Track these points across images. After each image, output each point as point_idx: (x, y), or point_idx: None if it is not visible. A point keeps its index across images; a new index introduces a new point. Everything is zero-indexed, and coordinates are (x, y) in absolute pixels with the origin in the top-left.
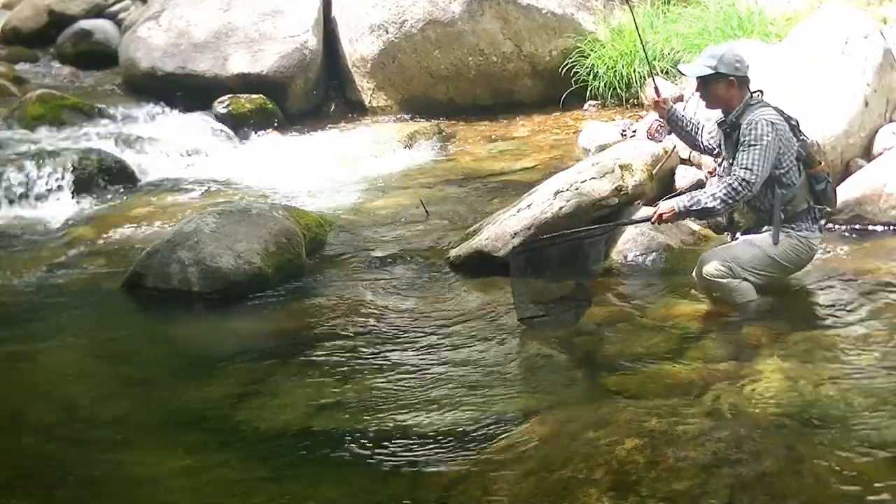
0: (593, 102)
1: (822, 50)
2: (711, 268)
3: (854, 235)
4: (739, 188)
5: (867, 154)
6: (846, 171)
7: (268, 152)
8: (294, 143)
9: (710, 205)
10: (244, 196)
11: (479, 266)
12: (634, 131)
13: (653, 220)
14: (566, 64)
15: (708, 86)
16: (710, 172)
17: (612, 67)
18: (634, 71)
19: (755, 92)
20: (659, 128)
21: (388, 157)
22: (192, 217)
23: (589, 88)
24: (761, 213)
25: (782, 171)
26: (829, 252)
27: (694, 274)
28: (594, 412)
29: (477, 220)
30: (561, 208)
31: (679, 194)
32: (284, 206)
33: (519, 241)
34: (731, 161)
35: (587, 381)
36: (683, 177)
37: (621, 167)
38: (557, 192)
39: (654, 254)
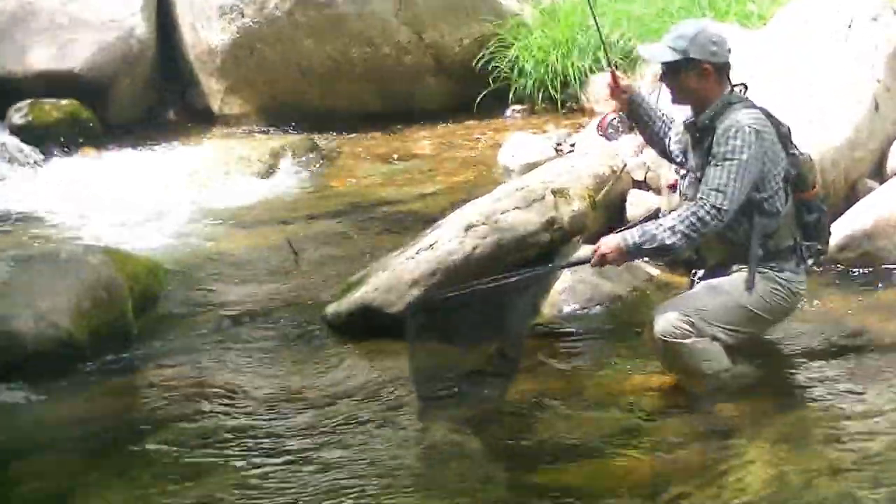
0: (518, 107)
1: (817, 36)
2: (668, 325)
3: (861, 280)
4: (707, 218)
5: (879, 172)
6: (852, 195)
7: (82, 176)
8: (118, 164)
9: (668, 241)
10: (49, 236)
11: (366, 326)
12: (573, 145)
13: (593, 262)
14: (482, 56)
15: (676, 74)
16: (669, 187)
17: (543, 61)
18: (573, 65)
19: (737, 86)
20: (615, 122)
21: (245, 183)
22: None
23: (512, 89)
24: (734, 248)
25: (765, 195)
26: (827, 303)
27: (646, 335)
28: None
29: (363, 265)
30: (475, 248)
31: (630, 227)
32: (104, 248)
33: (418, 292)
34: (697, 175)
35: (509, 476)
36: (637, 204)
37: (555, 193)
38: (470, 227)
39: (598, 307)
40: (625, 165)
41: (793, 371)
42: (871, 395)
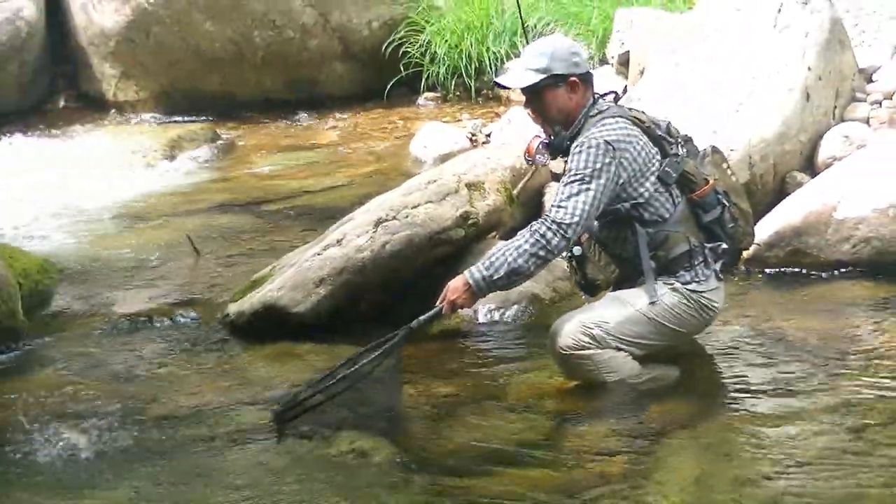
0: (431, 95)
1: (746, 21)
2: (567, 337)
3: (789, 279)
4: (549, 234)
5: (809, 165)
6: (781, 190)
7: None
8: (5, 154)
9: (515, 264)
10: None
11: (271, 326)
12: (488, 135)
13: (444, 310)
14: (392, 41)
15: (542, 97)
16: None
17: (457, 46)
18: (488, 50)
19: (606, 94)
20: (541, 147)
21: (141, 174)
22: None
23: (425, 76)
24: (626, 264)
25: (638, 201)
26: (752, 304)
27: (549, 348)
28: None
29: (267, 262)
30: (385, 244)
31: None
32: None
33: (325, 291)
34: None
35: (421, 484)
36: None
37: (469, 186)
38: (380, 222)
39: (514, 307)
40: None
41: (716, 374)
42: (797, 400)
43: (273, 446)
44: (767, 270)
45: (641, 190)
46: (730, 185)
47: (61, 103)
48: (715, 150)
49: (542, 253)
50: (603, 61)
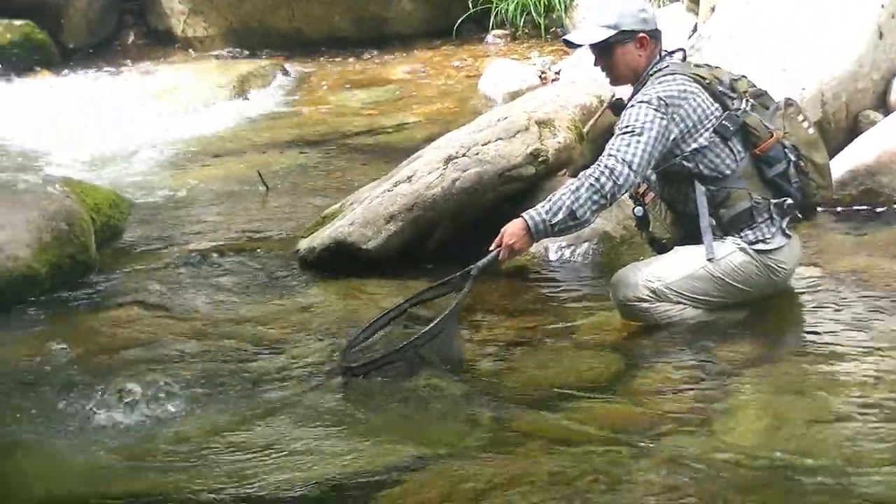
0: (500, 32)
1: None
2: (629, 290)
3: (862, 218)
4: (605, 180)
5: (882, 104)
6: (854, 128)
7: (37, 101)
8: (75, 89)
9: (574, 206)
10: (4, 164)
11: (341, 262)
12: (558, 73)
13: (501, 256)
14: None
15: (611, 53)
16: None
17: None
18: None
19: (673, 52)
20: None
21: (210, 110)
22: None
23: (493, 13)
24: (687, 222)
25: (696, 158)
26: (825, 243)
27: (611, 296)
28: (503, 464)
29: (337, 198)
30: (455, 181)
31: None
32: (63, 178)
33: (395, 228)
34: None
35: (493, 421)
36: None
37: (539, 123)
38: (450, 160)
39: (584, 244)
40: (613, 95)
41: (786, 313)
42: (873, 339)
43: (341, 379)
44: (839, 209)
45: (695, 145)
46: (802, 138)
47: (130, 39)
48: (789, 102)
49: (595, 197)
50: None
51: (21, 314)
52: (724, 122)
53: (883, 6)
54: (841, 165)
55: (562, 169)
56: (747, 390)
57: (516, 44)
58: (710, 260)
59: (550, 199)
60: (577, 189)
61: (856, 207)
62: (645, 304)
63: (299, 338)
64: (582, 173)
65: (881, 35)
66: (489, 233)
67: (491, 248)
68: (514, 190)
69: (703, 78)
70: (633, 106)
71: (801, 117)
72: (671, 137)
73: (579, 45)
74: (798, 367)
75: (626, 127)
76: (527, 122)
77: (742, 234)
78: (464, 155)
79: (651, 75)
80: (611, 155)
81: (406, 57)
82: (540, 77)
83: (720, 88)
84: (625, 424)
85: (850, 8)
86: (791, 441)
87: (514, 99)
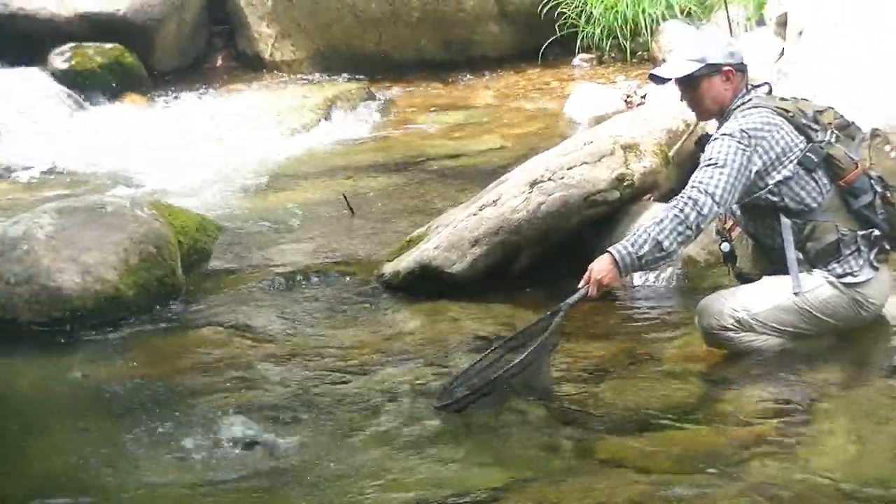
0: (586, 56)
1: None
2: (713, 318)
3: None
4: (689, 210)
5: None
6: None
7: (127, 124)
8: (164, 112)
9: (660, 237)
10: (94, 187)
11: (426, 286)
12: (643, 97)
13: (591, 292)
14: (548, 1)
15: (698, 86)
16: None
17: (613, 7)
18: (644, 11)
19: (759, 86)
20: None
21: (297, 133)
22: (19, 217)
23: (580, 37)
24: (774, 255)
25: (781, 191)
26: None
27: (696, 323)
28: (585, 490)
29: (423, 221)
30: (540, 205)
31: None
32: (151, 201)
33: (481, 251)
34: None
35: (575, 446)
36: None
37: (625, 147)
38: (535, 183)
39: (669, 269)
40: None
41: (871, 341)
42: None
43: (428, 403)
44: None
45: (779, 178)
46: (889, 168)
47: (219, 62)
48: (875, 132)
49: (680, 228)
50: (760, 23)
51: (109, 335)
52: (808, 153)
53: None
54: None
55: (647, 193)
56: (833, 417)
57: (602, 67)
58: (796, 294)
59: (635, 233)
60: (662, 221)
61: None
62: (730, 333)
63: (385, 362)
64: (665, 206)
65: None
66: (574, 256)
67: (580, 286)
68: (599, 214)
69: (787, 111)
70: (716, 139)
71: (888, 147)
72: (754, 170)
73: (667, 80)
74: (885, 395)
75: (710, 159)
76: (612, 146)
77: (829, 268)
78: (549, 179)
79: (736, 108)
80: (693, 186)
81: (492, 80)
82: (625, 101)
83: (804, 121)
84: (708, 451)
85: None
86: (877, 469)
87: (600, 123)
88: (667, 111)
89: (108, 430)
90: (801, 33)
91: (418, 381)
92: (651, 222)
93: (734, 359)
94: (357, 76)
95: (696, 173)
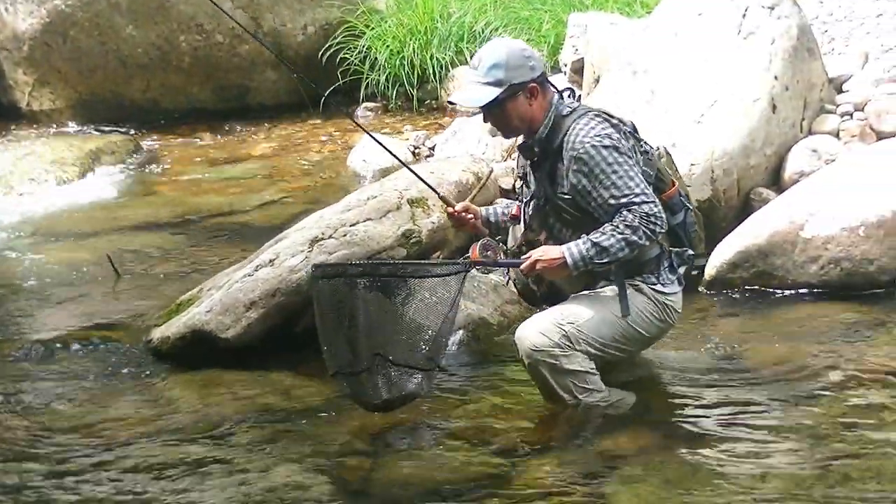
0: (370, 105)
1: (709, 27)
2: (535, 335)
3: (753, 301)
4: (650, 225)
5: (775, 181)
6: (745, 206)
7: None
8: None
9: (621, 254)
10: None
11: (198, 352)
12: (432, 148)
13: (524, 267)
14: (329, 47)
15: (502, 109)
16: (511, 217)
17: (399, 53)
18: (432, 57)
19: (563, 91)
20: (487, 253)
21: (57, 189)
22: None
23: (364, 84)
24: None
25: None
26: (713, 328)
27: (517, 351)
28: None
29: (194, 283)
30: None
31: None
32: None
33: (257, 315)
34: (542, 200)
35: None
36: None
37: (411, 202)
38: (315, 241)
39: (460, 331)
40: (491, 172)
41: (674, 402)
42: (762, 430)
43: (201, 479)
44: (730, 292)
45: None
46: (684, 188)
47: None
48: (667, 151)
49: (641, 242)
50: (555, 69)
51: None
52: (644, 166)
53: (776, 77)
54: (732, 246)
55: (436, 250)
56: (633, 485)
57: (388, 116)
58: (623, 314)
59: (595, 240)
60: (626, 239)
61: (747, 290)
62: (556, 351)
63: (149, 434)
64: (616, 219)
65: (774, 108)
66: None
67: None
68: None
69: (609, 118)
70: (584, 155)
71: (674, 167)
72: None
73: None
74: (684, 462)
75: (602, 164)
76: (398, 201)
77: (643, 277)
78: (331, 237)
79: (563, 116)
80: (630, 193)
81: (270, 130)
82: (413, 152)
83: (627, 129)
84: None
85: (742, 80)
86: None
87: (386, 176)
88: (456, 163)
89: None
90: (597, 80)
91: (186, 460)
92: (614, 232)
93: (535, 424)
94: (124, 126)
95: (612, 185)
